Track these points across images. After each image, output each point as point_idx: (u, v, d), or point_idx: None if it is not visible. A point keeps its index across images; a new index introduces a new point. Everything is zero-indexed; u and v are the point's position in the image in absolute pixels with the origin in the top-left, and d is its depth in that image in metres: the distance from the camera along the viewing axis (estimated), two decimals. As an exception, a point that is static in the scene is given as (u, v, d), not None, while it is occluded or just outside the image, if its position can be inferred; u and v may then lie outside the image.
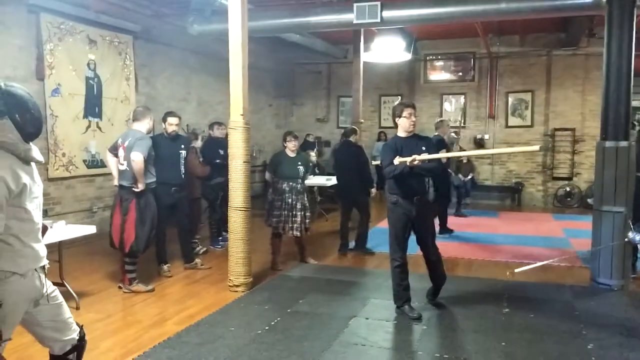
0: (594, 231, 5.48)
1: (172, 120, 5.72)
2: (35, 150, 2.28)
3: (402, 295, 4.47)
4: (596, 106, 10.74)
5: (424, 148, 4.38)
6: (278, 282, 5.46)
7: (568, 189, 11.44)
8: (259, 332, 4.05)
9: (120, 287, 5.09)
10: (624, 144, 5.26)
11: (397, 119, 4.47)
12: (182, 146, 5.82)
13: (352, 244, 6.94)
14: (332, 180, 9.71)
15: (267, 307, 4.64)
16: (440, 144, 6.96)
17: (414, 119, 4.42)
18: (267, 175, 5.95)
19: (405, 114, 4.40)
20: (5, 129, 2.17)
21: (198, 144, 7.04)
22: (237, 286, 5.11)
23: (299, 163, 5.97)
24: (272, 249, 6.02)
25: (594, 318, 4.47)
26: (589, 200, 10.72)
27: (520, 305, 4.74)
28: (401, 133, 4.48)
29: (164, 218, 5.57)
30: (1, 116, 2.17)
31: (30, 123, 2.24)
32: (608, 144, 5.30)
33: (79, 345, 2.51)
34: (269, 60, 12.67)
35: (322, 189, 10.37)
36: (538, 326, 4.27)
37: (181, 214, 5.91)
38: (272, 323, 4.23)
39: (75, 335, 2.50)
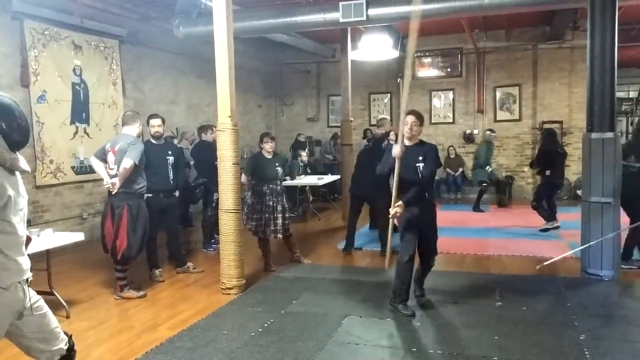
0: (582, 222, 5.53)
1: (154, 122, 5.69)
2: (22, 160, 2.25)
3: (402, 293, 4.45)
4: (583, 98, 10.74)
5: (420, 158, 4.37)
6: (271, 283, 5.45)
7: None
8: (253, 334, 4.04)
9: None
10: (609, 135, 5.30)
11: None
12: (170, 152, 5.80)
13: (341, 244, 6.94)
14: (324, 180, 9.75)
15: (261, 308, 4.63)
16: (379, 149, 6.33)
17: (408, 127, 4.34)
18: (243, 178, 5.85)
19: (405, 120, 4.35)
20: None
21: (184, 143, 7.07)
22: (229, 289, 5.09)
23: (277, 164, 5.96)
24: (262, 252, 6.02)
25: (586, 309, 4.50)
26: (578, 192, 10.78)
27: (512, 299, 4.77)
28: (405, 140, 4.38)
29: (155, 223, 5.56)
30: None
31: (17, 132, 2.20)
32: (594, 135, 5.34)
33: (68, 356, 2.49)
34: (258, 61, 12.65)
35: (313, 188, 10.38)
36: (531, 319, 4.30)
37: (171, 219, 5.90)
38: (266, 325, 4.22)
39: (63, 345, 2.47)
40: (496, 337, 3.91)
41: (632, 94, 13.85)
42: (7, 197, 2.15)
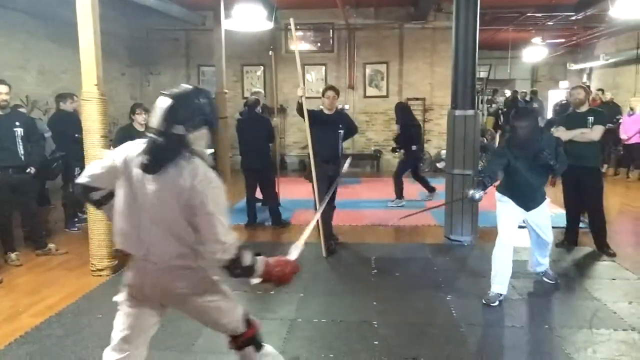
0: (446, 193, 6.00)
1: (0, 88, 5.05)
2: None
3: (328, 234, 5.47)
4: (443, 77, 11.62)
5: (340, 125, 5.55)
6: (146, 262, 5.18)
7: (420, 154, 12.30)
8: (131, 316, 3.82)
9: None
10: (470, 112, 5.77)
11: (322, 98, 5.65)
12: (17, 123, 5.18)
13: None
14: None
15: (137, 289, 4.39)
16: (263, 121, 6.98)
17: (330, 100, 5.52)
18: None
19: (327, 94, 5.57)
20: (202, 138, 2.15)
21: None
22: (100, 270, 4.77)
23: None
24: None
25: (450, 272, 4.93)
26: (438, 165, 11.69)
27: (386, 266, 5.07)
28: (325, 110, 5.58)
29: (6, 202, 5.02)
30: (203, 125, 2.13)
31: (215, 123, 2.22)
32: (457, 112, 5.77)
33: None
34: (120, 25, 11.73)
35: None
36: (404, 284, 4.61)
37: (26, 197, 5.32)
38: (144, 305, 4.02)
39: None
40: (375, 303, 4.13)
41: (482, 74, 15.21)
42: None
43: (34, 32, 9.01)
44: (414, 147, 7.92)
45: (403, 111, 8.35)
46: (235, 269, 2.08)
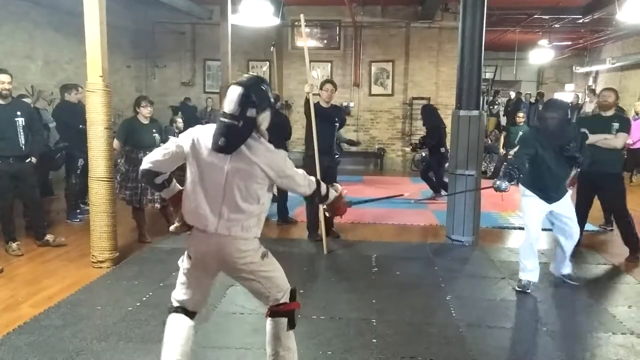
0: (448, 192, 5.97)
1: (2, 77, 4.99)
2: None
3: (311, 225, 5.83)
4: (448, 77, 11.60)
5: (336, 119, 5.78)
6: (147, 255, 5.19)
7: (424, 154, 12.26)
8: (130, 308, 3.84)
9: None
10: (475, 112, 5.74)
11: (320, 91, 5.77)
12: (19, 113, 5.14)
13: None
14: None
15: (137, 282, 4.40)
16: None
17: (328, 93, 5.69)
18: (116, 144, 5.40)
19: (325, 87, 5.73)
20: (267, 119, 2.40)
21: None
22: (101, 262, 4.77)
23: (154, 130, 5.65)
24: (136, 222, 5.69)
25: (451, 272, 4.91)
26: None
27: (387, 264, 5.05)
28: (322, 103, 5.71)
29: (7, 191, 5.04)
30: (268, 108, 2.38)
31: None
32: (462, 113, 5.74)
33: None
34: (125, 18, 11.73)
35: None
36: (404, 282, 4.59)
37: (27, 186, 5.30)
38: (144, 298, 4.03)
39: None
40: (374, 301, 4.12)
41: (488, 75, 15.17)
42: None
43: (38, 22, 9.02)
44: (442, 150, 7.98)
45: (431, 113, 8.43)
46: (316, 196, 2.54)
